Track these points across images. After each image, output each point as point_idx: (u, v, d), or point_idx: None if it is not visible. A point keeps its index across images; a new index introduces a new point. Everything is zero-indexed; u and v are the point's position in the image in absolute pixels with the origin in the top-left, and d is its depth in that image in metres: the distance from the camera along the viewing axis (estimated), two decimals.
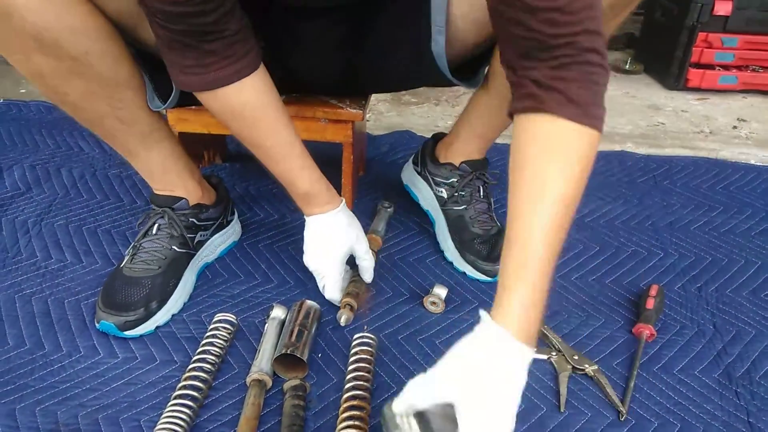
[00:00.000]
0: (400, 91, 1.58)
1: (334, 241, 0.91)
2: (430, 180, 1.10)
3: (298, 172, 0.87)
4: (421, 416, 0.58)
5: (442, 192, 1.08)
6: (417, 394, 0.59)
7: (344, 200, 0.93)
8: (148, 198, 0.98)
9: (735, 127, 1.64)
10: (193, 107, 1.06)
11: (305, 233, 0.92)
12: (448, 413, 0.57)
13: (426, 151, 1.12)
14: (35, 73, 0.76)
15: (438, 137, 1.13)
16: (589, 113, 0.62)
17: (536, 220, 0.61)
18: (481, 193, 1.06)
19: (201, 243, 0.99)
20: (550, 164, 0.62)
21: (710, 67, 1.82)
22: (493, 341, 0.59)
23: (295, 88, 1.04)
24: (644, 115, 1.70)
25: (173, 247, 0.93)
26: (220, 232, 1.03)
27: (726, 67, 1.82)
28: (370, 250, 0.94)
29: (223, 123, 0.83)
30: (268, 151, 0.86)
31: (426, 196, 1.12)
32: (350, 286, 0.91)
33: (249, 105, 0.80)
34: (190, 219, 0.95)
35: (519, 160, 0.64)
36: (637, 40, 2.12)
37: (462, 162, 1.06)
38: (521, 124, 0.64)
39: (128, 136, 0.87)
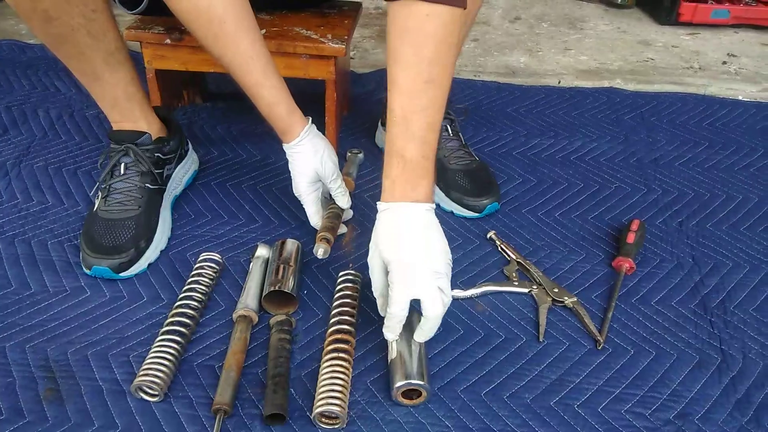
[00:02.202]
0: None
1: (297, 171, 0.92)
2: None
3: (256, 90, 0.86)
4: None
5: None
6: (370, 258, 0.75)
7: (309, 125, 0.91)
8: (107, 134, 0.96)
9: (725, 63, 1.62)
10: (169, 42, 1.03)
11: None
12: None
13: (384, 106, 1.11)
14: None
15: None
16: None
17: (406, 101, 0.69)
18: (450, 132, 1.06)
19: (168, 177, 0.98)
20: (404, 47, 0.69)
21: (703, 0, 1.77)
22: (401, 211, 0.72)
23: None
24: (634, 50, 1.68)
25: (146, 184, 0.92)
26: (181, 163, 1.03)
27: (719, 1, 1.78)
28: (342, 177, 0.95)
29: (188, 27, 0.82)
30: (230, 65, 0.85)
31: None
32: (326, 220, 0.91)
33: (214, 7, 0.79)
34: (156, 154, 0.94)
35: (388, 48, 0.71)
36: None
37: None
38: (389, 12, 0.70)
39: (95, 54, 0.85)
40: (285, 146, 0.92)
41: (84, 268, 0.86)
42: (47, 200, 1.00)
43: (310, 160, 0.91)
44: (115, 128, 0.94)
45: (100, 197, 0.91)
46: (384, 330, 0.73)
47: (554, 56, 1.63)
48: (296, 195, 0.94)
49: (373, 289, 0.76)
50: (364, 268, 0.90)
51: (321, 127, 1.11)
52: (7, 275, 0.86)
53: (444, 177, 1.03)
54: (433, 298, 0.69)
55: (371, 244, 0.74)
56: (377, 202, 0.74)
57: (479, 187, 1.01)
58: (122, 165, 0.92)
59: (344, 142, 1.19)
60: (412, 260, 0.70)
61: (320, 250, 0.86)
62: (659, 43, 1.73)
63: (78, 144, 1.14)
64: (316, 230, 0.91)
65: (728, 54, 1.67)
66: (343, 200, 0.93)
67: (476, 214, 1.00)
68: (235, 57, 0.83)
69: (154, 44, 1.04)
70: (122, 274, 0.86)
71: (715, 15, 1.78)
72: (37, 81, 1.33)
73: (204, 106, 1.29)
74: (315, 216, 0.93)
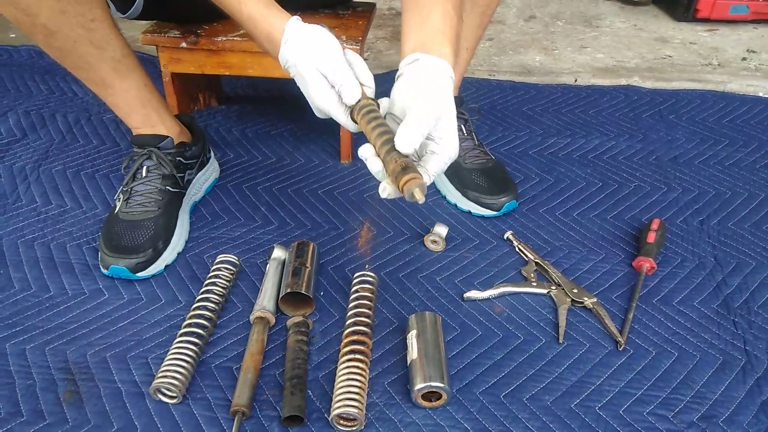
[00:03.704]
0: None
1: (302, 79, 0.69)
2: None
3: (236, 2, 0.70)
4: None
5: None
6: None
7: (296, 19, 0.71)
8: (129, 140, 0.95)
9: (744, 59, 1.60)
10: (185, 46, 1.03)
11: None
12: None
13: None
14: None
15: None
16: None
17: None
18: (464, 132, 1.05)
19: (189, 182, 0.99)
20: None
21: None
22: (430, 63, 0.67)
23: None
24: (651, 48, 1.65)
25: (167, 187, 0.93)
26: (203, 170, 1.03)
27: None
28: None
29: None
30: None
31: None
32: (391, 153, 0.63)
33: None
34: (177, 158, 0.95)
35: None
36: None
37: None
38: None
39: (102, 63, 0.85)
40: (280, 58, 0.71)
41: (102, 268, 0.87)
42: (66, 203, 1.01)
43: (308, 54, 0.68)
44: (135, 134, 0.95)
45: (121, 199, 0.92)
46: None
47: (570, 54, 1.61)
48: (322, 113, 0.71)
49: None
50: (379, 269, 0.90)
51: (336, 125, 1.11)
52: (27, 278, 0.87)
53: (460, 176, 1.02)
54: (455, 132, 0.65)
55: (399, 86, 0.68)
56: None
57: (496, 186, 1.00)
58: (144, 168, 0.93)
59: (357, 143, 1.18)
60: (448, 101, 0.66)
61: (417, 191, 0.61)
62: (677, 40, 1.70)
63: (96, 147, 1.15)
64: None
65: (748, 50, 1.64)
66: (365, 77, 0.70)
67: (494, 213, 0.99)
68: None
69: (170, 48, 1.04)
70: (139, 275, 0.86)
71: (734, 10, 1.75)
72: (55, 86, 1.35)
73: (219, 109, 1.29)
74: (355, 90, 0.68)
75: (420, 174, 0.61)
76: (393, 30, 1.72)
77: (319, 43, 0.68)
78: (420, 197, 0.60)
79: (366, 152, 0.65)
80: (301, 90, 0.70)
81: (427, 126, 0.63)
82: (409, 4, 0.72)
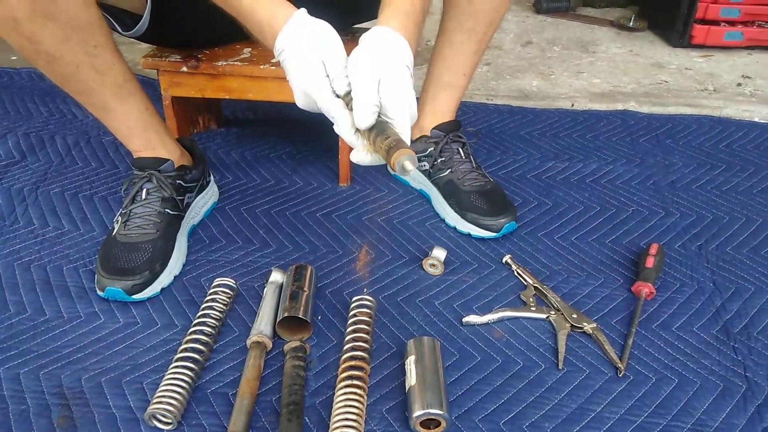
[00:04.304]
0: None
1: (295, 70, 0.69)
2: None
3: None
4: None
5: (425, 165, 1.09)
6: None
7: (301, 11, 0.71)
8: (129, 163, 0.95)
9: (739, 85, 1.62)
10: (186, 70, 1.04)
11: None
12: None
13: None
14: (9, 20, 0.74)
15: None
16: None
17: None
18: (462, 155, 1.06)
19: (188, 205, 0.99)
20: None
21: (715, 23, 1.78)
22: (382, 33, 0.69)
23: None
24: (647, 73, 1.67)
25: (166, 209, 0.93)
26: (202, 194, 1.03)
27: (731, 23, 1.78)
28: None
29: None
30: None
31: (413, 176, 1.12)
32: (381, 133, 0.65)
33: None
34: (177, 181, 0.95)
35: None
36: None
37: (433, 129, 1.06)
38: None
39: (104, 88, 0.86)
40: (278, 42, 0.70)
41: (98, 290, 0.86)
42: (63, 226, 1.01)
43: (314, 41, 0.68)
44: (135, 156, 0.95)
45: (119, 222, 0.92)
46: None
47: (567, 79, 1.63)
48: (307, 102, 0.70)
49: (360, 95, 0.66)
50: (377, 293, 0.89)
51: (335, 148, 1.12)
52: (23, 301, 0.86)
53: (458, 198, 1.03)
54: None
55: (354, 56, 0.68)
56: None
57: (495, 207, 1.01)
58: (144, 191, 0.93)
59: (356, 166, 1.19)
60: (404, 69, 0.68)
61: (407, 163, 0.62)
62: (672, 66, 1.72)
63: (95, 170, 1.16)
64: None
65: (743, 76, 1.66)
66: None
67: (494, 234, 0.99)
68: None
69: (171, 72, 1.05)
70: (135, 297, 0.85)
71: (729, 37, 1.78)
72: (55, 108, 1.36)
73: (219, 132, 1.30)
74: (349, 128, 0.68)
75: (407, 146, 0.63)
76: None
77: (328, 35, 0.69)
78: (411, 168, 0.62)
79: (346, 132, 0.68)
80: (288, 77, 0.70)
81: (369, 95, 0.65)
82: None
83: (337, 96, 0.68)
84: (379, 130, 0.65)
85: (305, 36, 0.69)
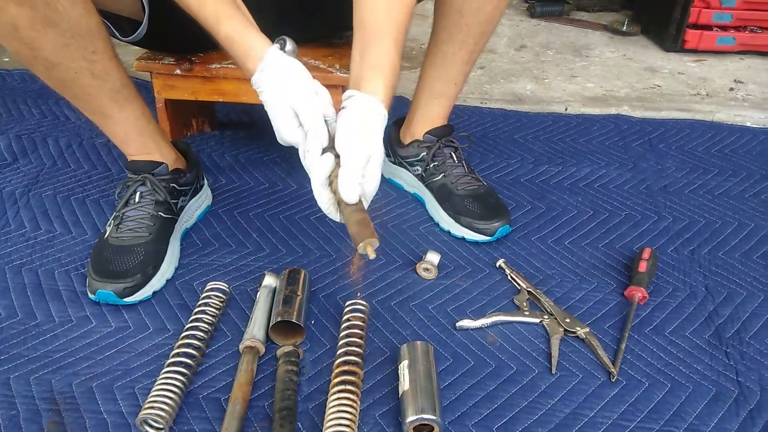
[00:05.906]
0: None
1: (273, 111, 0.75)
2: (404, 164, 1.11)
3: (213, 21, 0.75)
4: None
5: (418, 170, 1.09)
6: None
7: (278, 47, 0.76)
8: (123, 166, 0.95)
9: (732, 89, 1.63)
10: (179, 72, 1.04)
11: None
12: None
13: (391, 139, 1.13)
14: (10, 26, 0.73)
15: (399, 122, 1.15)
16: None
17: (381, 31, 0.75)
18: (455, 159, 1.06)
19: (182, 208, 0.98)
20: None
21: (708, 28, 1.79)
22: (363, 101, 0.74)
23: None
24: (641, 77, 1.68)
25: (159, 213, 0.92)
26: (195, 197, 1.03)
27: (724, 28, 1.80)
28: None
29: None
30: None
31: (407, 180, 1.13)
32: (353, 211, 0.72)
33: None
34: (171, 184, 0.95)
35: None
36: (634, 0, 2.08)
37: (425, 133, 1.06)
38: None
39: (101, 94, 0.85)
40: (253, 82, 0.75)
41: (89, 293, 0.86)
42: (55, 229, 1.00)
43: (283, 89, 0.73)
44: (129, 160, 0.95)
45: (112, 225, 0.91)
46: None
47: (560, 83, 1.64)
48: (286, 143, 0.76)
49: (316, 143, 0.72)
50: (371, 297, 0.89)
51: None
52: (13, 305, 0.86)
53: (452, 203, 1.03)
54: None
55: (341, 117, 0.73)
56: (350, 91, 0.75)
57: (489, 211, 1.01)
58: (137, 194, 0.92)
59: None
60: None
61: (370, 249, 0.69)
62: (665, 70, 1.73)
63: (87, 172, 1.15)
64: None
65: (735, 80, 1.67)
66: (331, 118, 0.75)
67: (488, 238, 0.99)
68: None
69: (164, 74, 1.05)
70: (126, 300, 0.85)
71: (721, 42, 1.79)
72: (47, 110, 1.35)
73: (212, 135, 1.30)
74: (323, 189, 0.73)
75: (375, 235, 0.69)
76: None
77: (297, 81, 0.74)
78: (372, 255, 0.69)
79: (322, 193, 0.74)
80: (270, 116, 0.76)
81: (360, 171, 0.71)
82: (356, 35, 0.78)
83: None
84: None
85: (277, 80, 0.74)
